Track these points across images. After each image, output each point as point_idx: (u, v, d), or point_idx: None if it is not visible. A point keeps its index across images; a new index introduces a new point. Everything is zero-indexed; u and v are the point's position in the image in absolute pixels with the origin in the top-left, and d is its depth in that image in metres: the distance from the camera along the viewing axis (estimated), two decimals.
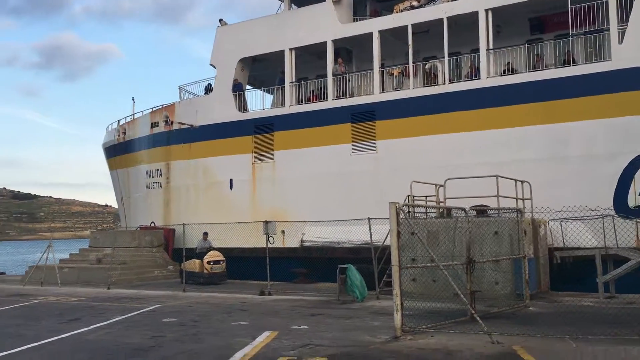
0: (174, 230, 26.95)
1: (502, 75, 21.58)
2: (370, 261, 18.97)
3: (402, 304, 10.01)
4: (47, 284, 21.75)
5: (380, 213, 21.27)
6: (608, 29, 19.53)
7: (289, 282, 22.04)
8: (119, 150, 34.02)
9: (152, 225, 29.16)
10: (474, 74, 22.51)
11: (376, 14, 26.58)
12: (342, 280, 15.23)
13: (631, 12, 18.97)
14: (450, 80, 22.26)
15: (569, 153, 19.49)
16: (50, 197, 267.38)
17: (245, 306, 14.65)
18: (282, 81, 26.94)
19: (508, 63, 22.10)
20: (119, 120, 34.61)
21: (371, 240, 17.84)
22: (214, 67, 28.23)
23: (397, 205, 10.14)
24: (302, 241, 24.57)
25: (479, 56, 21.80)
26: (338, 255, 23.25)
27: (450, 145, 21.70)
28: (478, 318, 9.82)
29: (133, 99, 38.67)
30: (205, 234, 23.74)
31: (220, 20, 28.44)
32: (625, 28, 19.03)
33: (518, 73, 21.63)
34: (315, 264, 23.07)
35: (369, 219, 17.52)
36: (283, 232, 24.91)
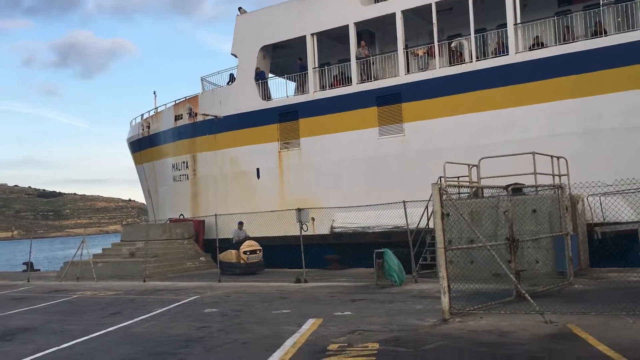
0: (203, 221, 27.02)
1: (531, 50, 21.10)
2: (403, 245, 18.84)
3: (449, 286, 9.82)
4: (83, 279, 21.97)
5: (408, 196, 21.26)
6: None
7: (321, 269, 21.96)
8: (144, 144, 34.15)
9: (181, 217, 29.26)
10: (501, 50, 22.08)
11: None
12: (380, 265, 15.07)
13: None
14: (477, 57, 21.85)
15: (604, 126, 19.03)
16: (75, 194, 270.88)
17: (284, 294, 14.59)
18: (302, 68, 26.73)
19: (536, 37, 21.60)
20: (142, 115, 34.74)
21: (407, 223, 17.60)
22: (236, 57, 28.09)
23: (440, 186, 9.89)
24: (332, 227, 24.46)
25: (506, 32, 21.34)
26: (369, 241, 23.16)
27: (479, 124, 21.34)
28: (529, 297, 9.60)
29: (155, 93, 38.48)
30: (241, 223, 23.41)
31: (240, 8, 28.24)
32: None
33: (547, 47, 21.17)
34: (347, 250, 22.98)
35: (404, 202, 17.29)
36: (313, 219, 24.76)
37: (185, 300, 14.31)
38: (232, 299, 14.27)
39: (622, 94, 18.73)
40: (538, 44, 21.38)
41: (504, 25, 22.24)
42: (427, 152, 22.36)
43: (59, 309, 14.49)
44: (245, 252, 21.69)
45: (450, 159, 21.54)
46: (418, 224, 17.93)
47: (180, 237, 25.29)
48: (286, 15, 26.39)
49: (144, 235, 25.10)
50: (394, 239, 22.51)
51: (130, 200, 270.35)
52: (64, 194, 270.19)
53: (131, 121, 37.04)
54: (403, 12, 23.46)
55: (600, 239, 15.51)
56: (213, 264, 25.15)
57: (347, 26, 24.77)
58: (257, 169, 26.81)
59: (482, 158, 16.65)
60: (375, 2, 25.42)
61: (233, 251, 21.88)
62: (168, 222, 27.62)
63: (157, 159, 32.78)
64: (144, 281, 20.23)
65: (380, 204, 19.51)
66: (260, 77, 27.01)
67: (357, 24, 24.61)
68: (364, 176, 23.85)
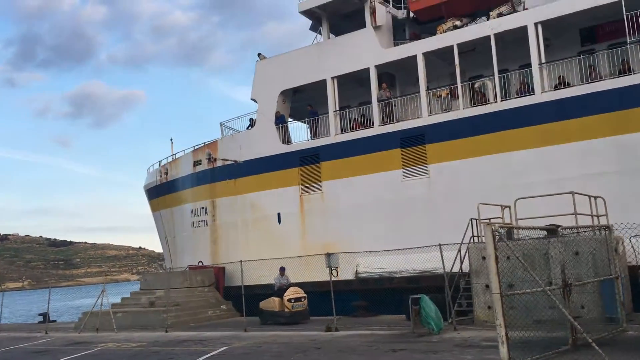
0: (224, 268, 26.46)
1: (556, 89, 20.83)
2: (432, 290, 18.16)
3: (507, 335, 9.17)
4: (103, 330, 21.32)
5: (435, 239, 20.66)
6: None
7: (349, 316, 21.25)
8: (161, 191, 33.92)
9: (200, 264, 28.72)
10: (525, 90, 21.84)
11: (416, 36, 26.20)
12: (416, 312, 14.40)
13: None
14: (501, 98, 21.58)
15: (638, 165, 18.51)
16: (86, 242, 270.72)
17: (317, 344, 13.92)
18: (312, 114, 26.69)
19: (560, 76, 21.36)
20: (160, 161, 34.63)
21: (444, 266, 16.93)
22: (255, 102, 28.05)
23: (493, 227, 9.36)
24: (357, 273, 23.81)
25: (530, 71, 21.12)
26: (396, 286, 22.54)
27: (507, 164, 20.92)
28: (596, 347, 8.94)
29: (171, 140, 38.49)
30: (282, 269, 21.97)
31: (259, 54, 28.37)
32: None
33: (572, 86, 20.90)
34: (372, 296, 22.29)
35: (439, 245, 16.68)
36: (281, 268, 24.19)
37: (215, 352, 13.68)
38: (263, 349, 13.63)
39: None
40: (562, 83, 21.14)
41: (526, 65, 22.10)
42: (453, 193, 21.91)
43: None
44: (290, 300, 20.19)
45: (478, 201, 20.96)
46: (452, 268, 17.25)
47: (200, 284, 24.70)
48: (306, 60, 26.42)
49: (163, 283, 24.59)
50: (423, 283, 21.86)
51: (140, 248, 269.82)
52: (75, 242, 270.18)
53: (148, 168, 36.96)
54: (424, 54, 23.37)
55: None
56: (235, 312, 24.51)
57: (367, 69, 24.71)
58: (278, 214, 26.39)
59: (518, 199, 16.14)
60: (395, 45, 25.47)
61: (276, 299, 20.44)
62: (187, 269, 27.06)
63: (176, 205, 32.48)
64: (166, 331, 19.57)
65: (410, 248, 18.83)
66: (280, 121, 26.89)
67: (377, 67, 24.54)
68: (388, 219, 23.34)
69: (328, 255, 18.34)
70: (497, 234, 9.28)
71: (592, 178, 18.75)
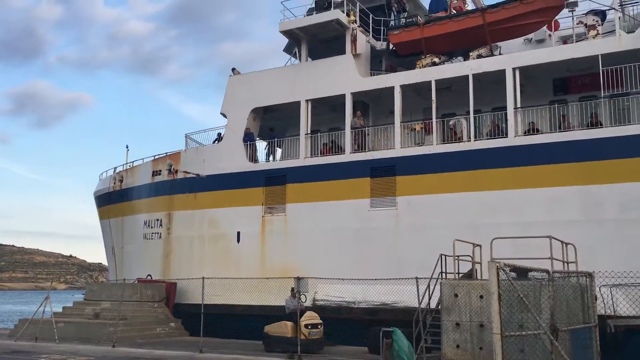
0: (175, 284, 25.44)
1: (526, 135, 21.22)
2: (393, 323, 17.94)
3: None
4: (43, 339, 19.99)
5: (399, 272, 20.52)
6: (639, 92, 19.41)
7: None
8: (113, 198, 32.60)
9: (149, 278, 27.54)
10: (496, 132, 22.21)
11: (392, 69, 26.39)
12: (388, 345, 14.03)
13: None
14: (474, 137, 21.82)
15: (606, 216, 18.95)
16: (13, 245, 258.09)
17: None
18: (272, 137, 26.44)
19: (531, 122, 21.82)
20: (115, 168, 33.39)
21: (419, 301, 16.60)
22: (225, 116, 27.48)
23: (498, 265, 9.15)
24: (314, 300, 23.28)
25: (505, 114, 21.48)
26: (355, 317, 22.12)
27: (476, 203, 21.05)
28: None
29: (127, 147, 37.59)
30: (295, 290, 19.94)
31: (233, 69, 27.90)
32: None
33: (542, 133, 21.36)
34: (328, 325, 21.79)
35: (416, 278, 16.43)
36: (293, 289, 23.71)
37: None
38: None
39: (625, 185, 18.79)
40: (533, 130, 21.59)
41: (499, 108, 22.53)
42: (420, 227, 21.84)
43: None
44: (307, 326, 18.03)
45: (445, 236, 20.85)
46: (420, 303, 16.96)
47: (151, 299, 23.62)
48: (281, 80, 26.11)
49: (110, 295, 23.43)
50: (381, 316, 21.61)
51: (71, 256, 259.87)
52: (2, 244, 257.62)
53: (101, 174, 35.58)
54: (402, 86, 23.48)
55: (614, 332, 14.98)
56: (183, 330, 23.57)
57: (343, 95, 24.61)
58: (238, 233, 25.68)
59: (495, 238, 16.04)
60: (371, 75, 25.52)
61: (288, 324, 18.27)
62: (136, 282, 25.87)
63: (128, 214, 31.24)
64: (114, 346, 18.46)
65: (385, 279, 18.51)
66: (249, 138, 26.38)
67: (353, 94, 24.48)
68: (352, 248, 23.04)
69: (298, 279, 17.87)
70: (502, 271, 8.98)
71: (559, 225, 18.94)
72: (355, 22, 24.75)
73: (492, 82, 22.40)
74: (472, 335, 14.69)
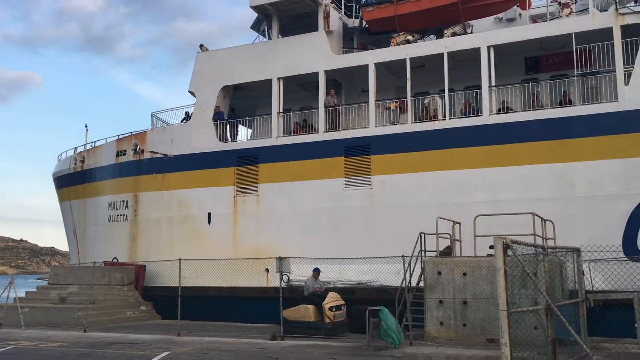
0: (144, 266, 24.77)
1: (500, 113, 21.30)
2: (368, 302, 17.90)
3: (512, 355, 8.75)
4: (7, 325, 19.16)
5: (374, 251, 20.45)
6: (610, 70, 19.66)
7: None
8: (74, 180, 31.46)
9: (115, 261, 26.76)
10: (468, 111, 22.25)
11: (363, 47, 26.07)
12: (375, 324, 13.90)
13: (638, 54, 19.18)
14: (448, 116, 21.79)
15: (576, 193, 19.23)
16: None
17: (270, 353, 13.05)
18: (219, 117, 25.74)
19: (503, 101, 21.92)
20: (75, 148, 32.20)
21: (405, 280, 16.47)
22: (193, 95, 26.70)
23: (504, 240, 9.02)
24: (288, 280, 23.00)
25: (479, 93, 21.50)
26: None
27: (451, 182, 21.07)
28: None
29: (86, 127, 36.23)
30: (317, 270, 18.56)
31: (201, 45, 27.10)
32: (632, 70, 19.20)
33: (514, 111, 21.50)
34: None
35: (403, 256, 16.28)
36: (267, 270, 23.39)
37: (159, 357, 12.43)
38: (211, 356, 12.56)
39: (595, 162, 19.08)
40: (504, 108, 21.69)
41: (472, 87, 22.59)
42: (395, 206, 21.78)
43: None
44: (331, 309, 16.84)
45: (420, 215, 21.08)
46: (410, 281, 16.83)
47: (119, 282, 22.92)
48: (252, 57, 25.48)
49: (77, 278, 22.66)
50: (357, 295, 21.54)
51: (22, 240, 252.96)
52: None
53: (59, 154, 34.34)
54: (376, 64, 23.21)
55: (592, 307, 15.23)
56: (154, 314, 23.01)
57: (316, 73, 24.18)
58: (209, 214, 25.12)
59: (478, 215, 16.12)
60: (344, 53, 25.17)
61: (310, 307, 17.07)
62: (103, 264, 25.06)
63: (90, 196, 30.21)
64: (85, 331, 17.82)
65: (374, 257, 18.27)
66: (219, 117, 25.72)
67: (326, 72, 24.08)
68: (326, 227, 22.83)
69: (280, 259, 17.52)
70: (509, 247, 8.84)
71: (534, 202, 19.14)
72: None
73: (465, 61, 22.38)
74: (456, 312, 14.75)
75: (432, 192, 21.22)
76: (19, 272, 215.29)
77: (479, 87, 22.32)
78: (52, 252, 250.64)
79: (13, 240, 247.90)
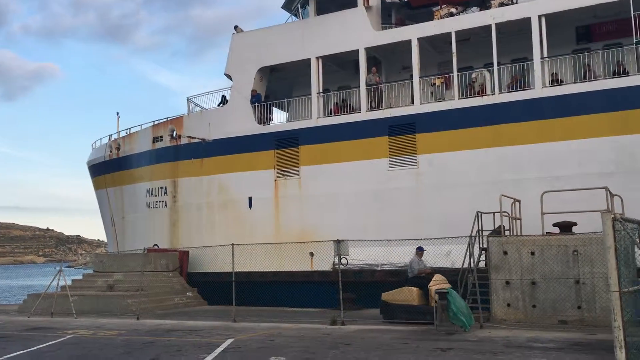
0: (187, 252, 24.56)
1: (552, 86, 20.49)
2: (419, 284, 17.46)
3: (625, 339, 8.14)
4: (58, 314, 19.06)
5: (422, 232, 19.92)
6: None
7: (332, 308, 20.13)
8: (110, 167, 31.31)
9: (156, 247, 26.57)
10: (515, 84, 21.46)
11: (402, 22, 25.30)
12: (443, 307, 13.41)
13: None
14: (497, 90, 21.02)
15: (638, 167, 18.41)
16: None
17: (337, 339, 12.65)
18: (257, 100, 25.14)
19: (553, 73, 21.08)
20: (110, 135, 32.00)
21: (471, 261, 15.93)
22: (229, 78, 26.21)
23: (614, 216, 8.41)
24: (334, 264, 22.60)
25: (530, 65, 20.70)
26: (377, 279, 21.59)
27: (502, 158, 20.40)
28: None
29: (118, 114, 35.88)
30: (421, 249, 16.95)
31: (236, 27, 26.55)
32: None
33: (565, 84, 20.66)
34: (350, 289, 21.21)
35: (470, 236, 15.69)
36: (311, 254, 23.03)
37: (227, 344, 12.09)
38: (281, 343, 12.19)
39: None
40: (555, 81, 20.87)
41: (519, 59, 21.81)
42: (443, 186, 21.19)
43: (66, 353, 11.90)
44: (437, 292, 14.86)
45: (469, 195, 20.50)
46: (464, 262, 16.34)
47: (165, 269, 22.72)
48: (289, 37, 24.88)
49: (121, 266, 22.51)
50: (404, 277, 21.08)
51: (48, 229, 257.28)
52: None
53: (93, 143, 34.19)
54: (419, 39, 22.46)
55: None
56: (201, 300, 22.85)
57: (354, 51, 23.53)
58: (250, 198, 24.76)
59: (546, 192, 15.46)
60: (382, 29, 24.43)
61: (414, 289, 15.50)
62: (146, 251, 24.83)
63: (127, 183, 30.04)
64: (138, 319, 17.62)
65: (428, 239, 17.71)
66: (256, 99, 25.23)
67: (367, 49, 23.41)
68: (371, 209, 22.33)
69: (338, 242, 17.05)
70: (619, 223, 8.23)
71: (591, 177, 18.41)
72: None
73: (512, 32, 21.56)
74: (524, 293, 14.20)
75: (481, 169, 20.59)
76: (47, 260, 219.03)
77: (526, 59, 21.56)
78: (78, 240, 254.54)
79: (40, 229, 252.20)
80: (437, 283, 15.24)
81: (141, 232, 28.81)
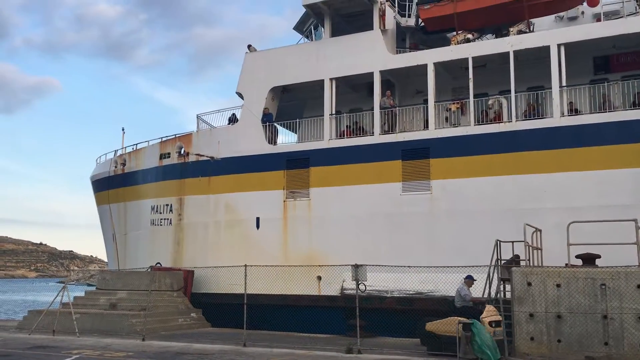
0: (193, 272, 24.03)
1: (571, 115, 20.29)
2: (427, 313, 17.10)
3: None
4: (61, 332, 18.48)
5: (434, 259, 19.52)
6: None
7: (337, 334, 19.61)
8: (115, 183, 30.88)
9: (159, 265, 26.04)
10: (531, 113, 21.28)
11: (416, 47, 25.22)
12: (468, 339, 12.92)
13: None
14: (515, 118, 20.79)
15: None
16: None
17: None
18: (268, 119, 24.84)
19: (570, 103, 20.91)
20: (116, 151, 31.64)
21: (489, 291, 15.51)
22: (240, 97, 25.97)
23: None
24: (342, 289, 22.17)
25: (548, 93, 20.53)
26: (387, 306, 21.13)
27: (517, 187, 20.09)
28: None
29: (123, 130, 35.50)
30: (470, 278, 16.16)
31: (249, 46, 26.40)
32: None
33: (582, 114, 20.47)
34: (366, 316, 20.66)
35: (490, 265, 15.31)
36: (319, 277, 22.56)
37: None
38: None
39: None
40: (572, 110, 20.69)
41: (534, 87, 21.70)
42: (457, 213, 20.83)
43: None
44: (491, 324, 14.00)
45: (484, 222, 20.17)
46: (484, 293, 15.90)
47: (169, 288, 22.18)
48: (303, 57, 24.70)
49: (126, 284, 21.99)
50: (416, 306, 20.64)
51: (41, 244, 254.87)
52: None
53: (98, 158, 33.82)
54: (435, 64, 22.31)
55: None
56: (205, 322, 22.22)
57: (368, 74, 23.35)
58: (257, 218, 24.33)
59: (573, 222, 15.09)
60: (397, 53, 24.31)
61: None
62: (150, 270, 24.31)
63: (131, 199, 29.59)
64: (143, 339, 17.06)
65: (434, 266, 17.45)
66: (267, 119, 24.96)
67: (381, 72, 23.23)
68: (382, 234, 21.93)
69: (356, 266, 16.57)
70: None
71: (611, 210, 18.04)
72: None
73: (528, 60, 21.45)
74: (549, 327, 13.73)
75: (497, 197, 20.26)
76: (38, 275, 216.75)
77: (543, 87, 21.44)
78: (71, 255, 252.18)
79: (33, 243, 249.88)
80: (490, 314, 14.35)
81: (143, 249, 28.30)
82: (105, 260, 36.63)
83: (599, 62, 21.94)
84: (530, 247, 16.55)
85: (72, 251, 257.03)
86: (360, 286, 16.78)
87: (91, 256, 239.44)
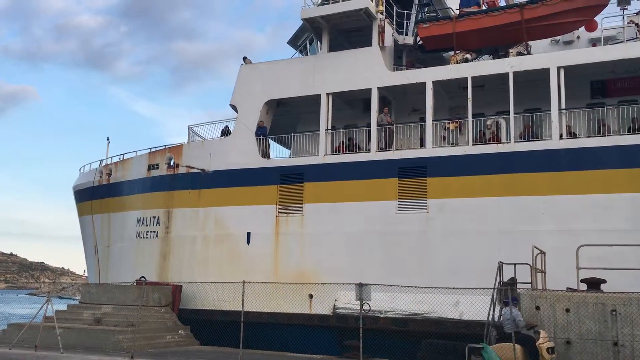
0: (181, 287, 23.33)
1: (570, 138, 20.28)
2: (422, 335, 16.83)
3: None
4: (43, 348, 17.64)
5: (430, 280, 19.24)
6: None
7: (329, 355, 19.14)
8: (99, 193, 30.10)
9: (142, 280, 25.25)
10: (528, 134, 21.27)
11: (412, 65, 25.13)
12: None
13: None
14: (515, 139, 20.71)
15: None
16: None
17: None
18: (262, 132, 24.55)
19: (567, 126, 20.91)
20: (101, 161, 30.88)
21: (492, 314, 15.15)
22: (234, 109, 25.54)
23: None
24: (334, 308, 21.70)
25: (548, 115, 20.52)
26: (380, 327, 20.67)
27: (514, 208, 19.95)
28: None
29: (108, 139, 34.75)
30: (515, 300, 14.50)
31: (245, 58, 26.06)
32: None
33: (579, 137, 20.50)
34: (349, 336, 20.19)
35: (494, 288, 14.96)
36: (311, 295, 22.08)
37: None
38: None
39: None
40: (569, 133, 20.70)
41: (531, 109, 21.73)
42: (454, 233, 20.59)
43: None
44: (549, 350, 13.23)
45: (481, 243, 19.99)
46: (488, 316, 15.56)
47: (157, 303, 21.44)
48: (299, 71, 24.42)
49: (111, 298, 21.24)
50: (410, 327, 20.26)
51: (11, 254, 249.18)
52: None
53: (81, 167, 33.03)
54: (434, 82, 22.19)
55: None
56: (194, 339, 21.53)
57: (366, 90, 23.15)
58: (248, 233, 23.79)
59: (582, 245, 14.90)
60: (394, 70, 24.17)
61: (517, 347, 13.17)
62: (135, 284, 23.55)
63: (116, 210, 28.84)
64: (132, 358, 16.36)
65: (429, 287, 17.04)
66: (261, 132, 24.55)
67: (379, 89, 23.03)
68: (376, 252, 21.58)
69: (360, 285, 16.14)
70: None
71: (607, 234, 17.95)
72: (383, 13, 23.35)
73: (527, 82, 21.45)
74: (558, 353, 13.45)
75: (494, 218, 20.10)
76: (8, 286, 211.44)
77: (539, 109, 21.48)
78: (42, 267, 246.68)
79: (3, 253, 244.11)
80: (547, 340, 13.52)
81: (127, 262, 27.51)
82: (78, 272, 35.76)
83: (596, 87, 22.07)
84: (534, 269, 16.33)
85: (43, 262, 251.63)
86: (364, 306, 16.23)
87: (62, 268, 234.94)
